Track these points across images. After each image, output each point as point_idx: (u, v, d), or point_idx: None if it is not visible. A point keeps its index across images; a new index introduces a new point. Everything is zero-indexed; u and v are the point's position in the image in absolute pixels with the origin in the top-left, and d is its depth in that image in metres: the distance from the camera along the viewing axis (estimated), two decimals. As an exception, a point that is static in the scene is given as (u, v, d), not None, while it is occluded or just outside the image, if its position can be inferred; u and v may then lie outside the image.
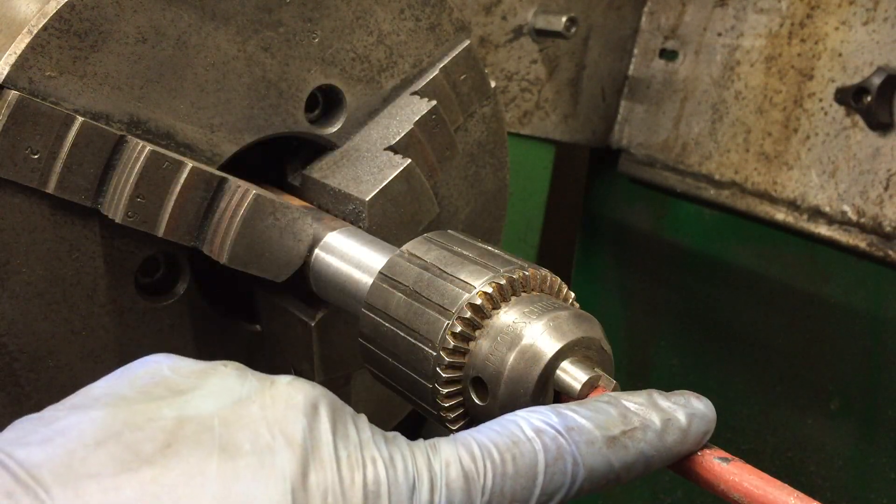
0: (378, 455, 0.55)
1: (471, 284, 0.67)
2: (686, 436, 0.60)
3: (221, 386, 0.57)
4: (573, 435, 0.58)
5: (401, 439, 0.57)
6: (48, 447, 0.52)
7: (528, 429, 0.58)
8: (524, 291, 0.68)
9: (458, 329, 0.66)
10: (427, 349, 0.67)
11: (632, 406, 0.60)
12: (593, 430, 0.58)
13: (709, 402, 0.63)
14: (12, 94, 0.74)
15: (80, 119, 0.77)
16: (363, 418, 0.58)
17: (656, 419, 0.60)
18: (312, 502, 0.52)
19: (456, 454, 0.56)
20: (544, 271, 0.70)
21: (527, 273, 0.68)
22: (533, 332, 0.64)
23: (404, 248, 0.75)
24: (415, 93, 0.96)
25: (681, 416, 0.60)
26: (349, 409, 0.58)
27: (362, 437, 0.56)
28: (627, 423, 0.59)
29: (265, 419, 0.55)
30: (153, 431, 0.53)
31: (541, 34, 1.47)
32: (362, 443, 0.56)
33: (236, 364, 0.60)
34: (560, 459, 0.57)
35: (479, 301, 0.66)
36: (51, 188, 0.77)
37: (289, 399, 0.56)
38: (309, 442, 0.54)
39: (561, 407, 0.60)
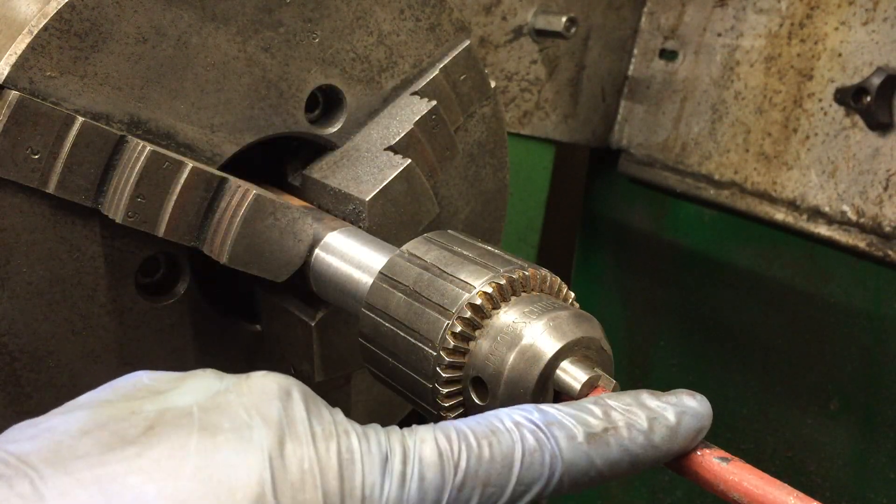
0: (351, 429, 0.57)
1: (471, 284, 0.68)
2: (675, 434, 0.60)
3: (199, 384, 0.60)
4: (553, 430, 0.59)
5: (376, 425, 0.59)
6: (36, 441, 0.54)
7: (507, 421, 0.59)
8: (524, 291, 0.68)
9: (458, 329, 0.66)
10: (427, 349, 0.67)
11: (617, 406, 0.61)
12: (574, 426, 0.59)
13: (703, 400, 0.63)
14: (13, 95, 0.74)
15: (80, 119, 0.77)
16: (337, 409, 0.60)
17: (642, 418, 0.60)
18: (290, 468, 0.54)
19: (432, 434, 0.58)
20: (544, 271, 0.70)
21: (527, 273, 0.68)
22: (533, 332, 0.64)
23: (404, 248, 0.75)
24: (415, 93, 0.96)
25: (669, 415, 0.61)
26: (322, 400, 0.60)
27: (336, 417, 0.58)
28: (611, 422, 0.60)
29: (242, 404, 0.57)
30: (136, 420, 0.55)
31: (541, 34, 1.47)
32: (336, 421, 0.58)
33: (213, 370, 0.62)
34: (538, 451, 0.58)
35: (479, 301, 0.66)
36: (51, 188, 0.77)
37: (264, 387, 0.59)
38: (285, 420, 0.56)
39: (544, 405, 0.61)
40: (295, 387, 0.59)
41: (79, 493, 0.51)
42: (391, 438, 0.57)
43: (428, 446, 0.57)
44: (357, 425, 0.58)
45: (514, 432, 0.58)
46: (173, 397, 0.58)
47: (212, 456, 0.53)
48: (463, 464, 0.56)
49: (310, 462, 0.55)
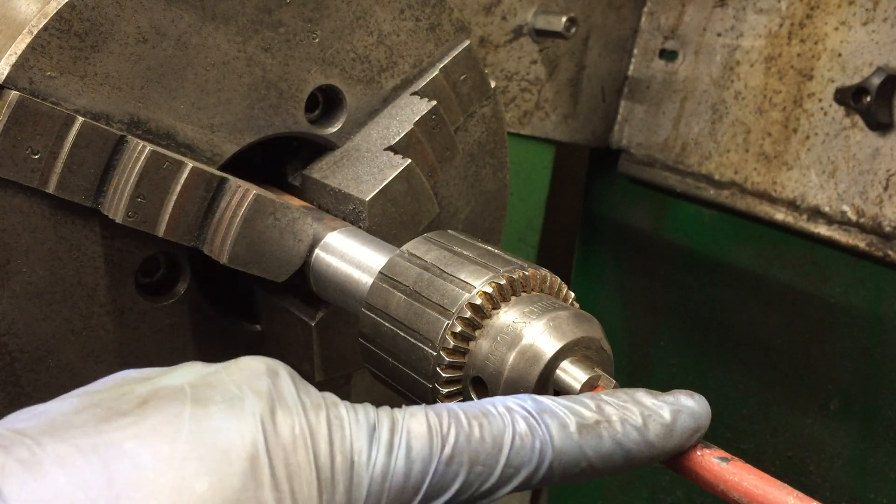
0: (339, 402, 0.59)
1: (471, 284, 0.68)
2: (671, 432, 0.61)
3: (188, 369, 0.61)
4: (545, 417, 0.59)
5: (366, 403, 0.60)
6: (32, 420, 0.55)
7: (500, 406, 0.60)
8: (524, 291, 0.68)
9: (458, 329, 0.66)
10: (427, 349, 0.67)
11: (612, 401, 0.61)
12: (566, 416, 0.60)
13: (702, 399, 0.63)
14: (13, 94, 0.74)
15: (80, 119, 0.77)
16: (327, 391, 0.61)
17: (636, 414, 0.61)
18: (282, 433, 0.55)
19: (423, 410, 0.58)
20: (544, 271, 0.70)
21: (527, 273, 0.68)
22: (533, 332, 0.64)
23: (404, 248, 0.75)
24: (415, 93, 0.96)
25: (665, 413, 0.61)
26: (308, 383, 0.61)
27: (325, 394, 0.59)
28: (604, 415, 0.60)
29: (232, 381, 0.58)
30: (129, 398, 0.57)
31: (541, 34, 1.47)
32: (324, 395, 0.59)
33: (200, 362, 0.63)
34: (528, 436, 0.58)
35: (479, 301, 0.66)
36: (51, 188, 0.77)
37: (252, 366, 0.60)
38: (274, 393, 0.57)
39: (538, 396, 0.62)
40: (281, 367, 0.60)
41: (76, 458, 0.52)
42: (380, 412, 0.58)
43: (417, 420, 0.58)
44: (346, 401, 0.59)
45: (506, 416, 0.59)
46: (163, 380, 0.59)
47: (206, 423, 0.54)
48: (451, 439, 0.57)
49: (300, 427, 0.56)
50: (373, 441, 0.56)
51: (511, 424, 0.58)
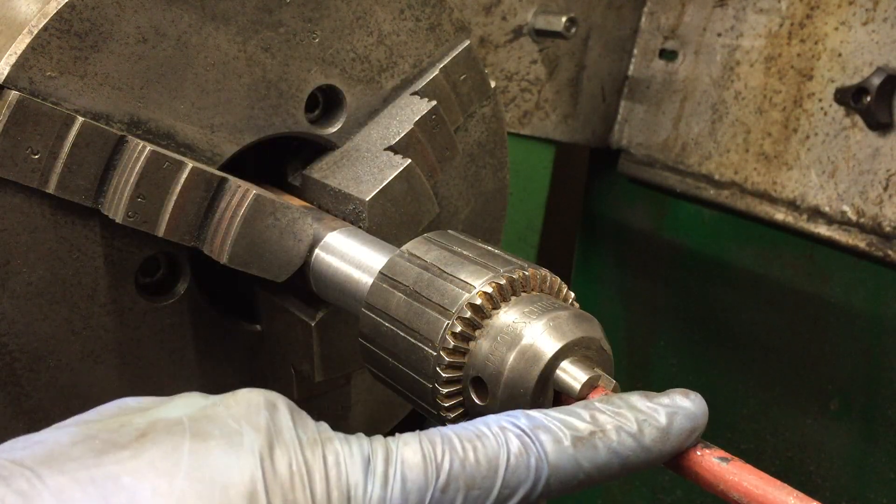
0: (334, 435, 0.59)
1: (471, 284, 0.68)
2: (667, 435, 0.61)
3: (186, 401, 0.61)
4: (539, 434, 0.59)
5: (360, 434, 0.60)
6: (29, 450, 0.55)
7: (493, 426, 0.60)
8: (524, 291, 0.68)
9: (458, 329, 0.66)
10: (427, 349, 0.67)
11: (606, 409, 0.61)
12: (560, 430, 0.60)
13: (698, 399, 0.63)
14: (13, 95, 0.74)
15: (80, 119, 0.77)
16: (321, 422, 0.61)
17: (631, 420, 0.61)
18: (279, 470, 0.55)
19: (416, 438, 0.59)
20: (544, 271, 0.70)
21: (527, 273, 0.68)
22: (533, 332, 0.64)
23: (404, 248, 0.75)
24: (415, 93, 0.96)
25: (660, 416, 0.61)
26: (306, 413, 0.62)
27: (320, 427, 0.60)
28: (598, 425, 0.60)
29: (231, 415, 0.58)
30: (127, 430, 0.57)
31: (541, 34, 1.47)
32: (320, 430, 0.59)
33: (198, 392, 0.63)
34: (523, 455, 0.58)
35: (479, 301, 0.66)
36: (51, 188, 0.77)
37: (250, 400, 0.60)
38: (272, 428, 0.58)
39: (532, 411, 0.62)
40: (280, 399, 0.61)
41: (75, 491, 0.52)
42: (374, 443, 0.58)
43: (411, 449, 0.58)
44: (340, 434, 0.59)
45: (500, 436, 0.59)
46: (162, 412, 0.59)
47: (205, 458, 0.55)
48: (446, 466, 0.57)
49: (297, 464, 0.56)
50: (368, 474, 0.57)
51: (505, 444, 0.58)
